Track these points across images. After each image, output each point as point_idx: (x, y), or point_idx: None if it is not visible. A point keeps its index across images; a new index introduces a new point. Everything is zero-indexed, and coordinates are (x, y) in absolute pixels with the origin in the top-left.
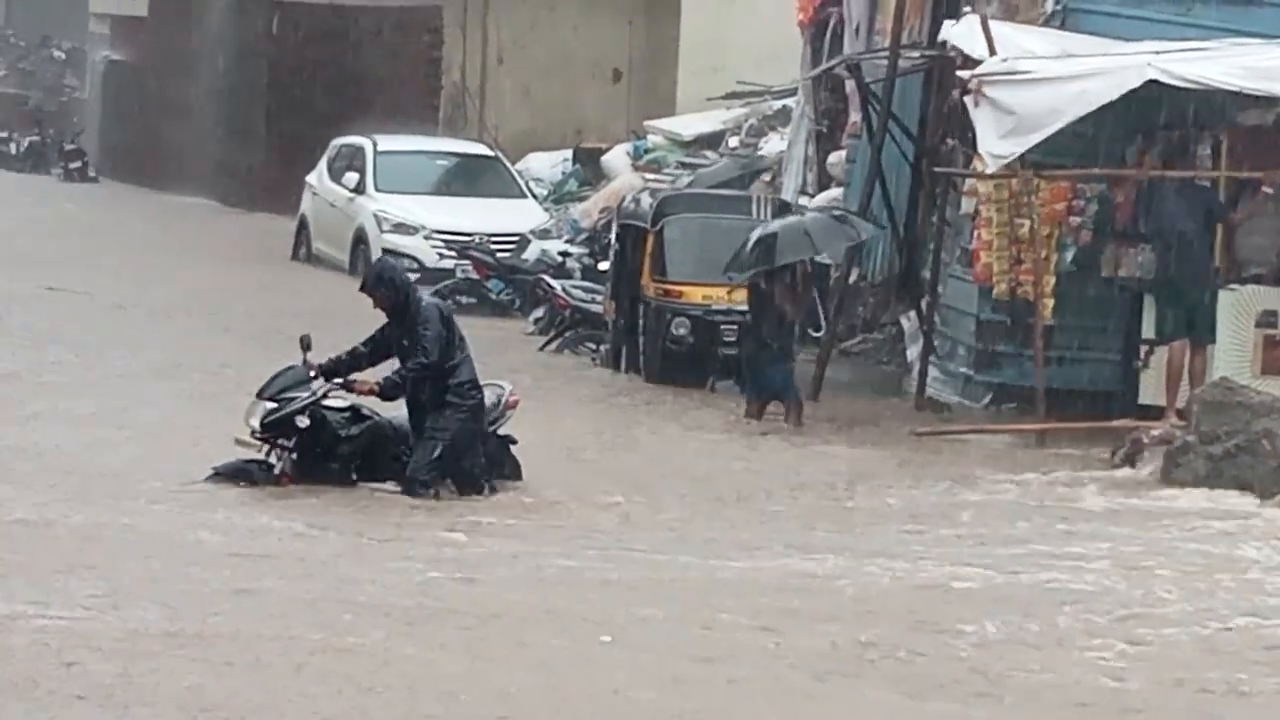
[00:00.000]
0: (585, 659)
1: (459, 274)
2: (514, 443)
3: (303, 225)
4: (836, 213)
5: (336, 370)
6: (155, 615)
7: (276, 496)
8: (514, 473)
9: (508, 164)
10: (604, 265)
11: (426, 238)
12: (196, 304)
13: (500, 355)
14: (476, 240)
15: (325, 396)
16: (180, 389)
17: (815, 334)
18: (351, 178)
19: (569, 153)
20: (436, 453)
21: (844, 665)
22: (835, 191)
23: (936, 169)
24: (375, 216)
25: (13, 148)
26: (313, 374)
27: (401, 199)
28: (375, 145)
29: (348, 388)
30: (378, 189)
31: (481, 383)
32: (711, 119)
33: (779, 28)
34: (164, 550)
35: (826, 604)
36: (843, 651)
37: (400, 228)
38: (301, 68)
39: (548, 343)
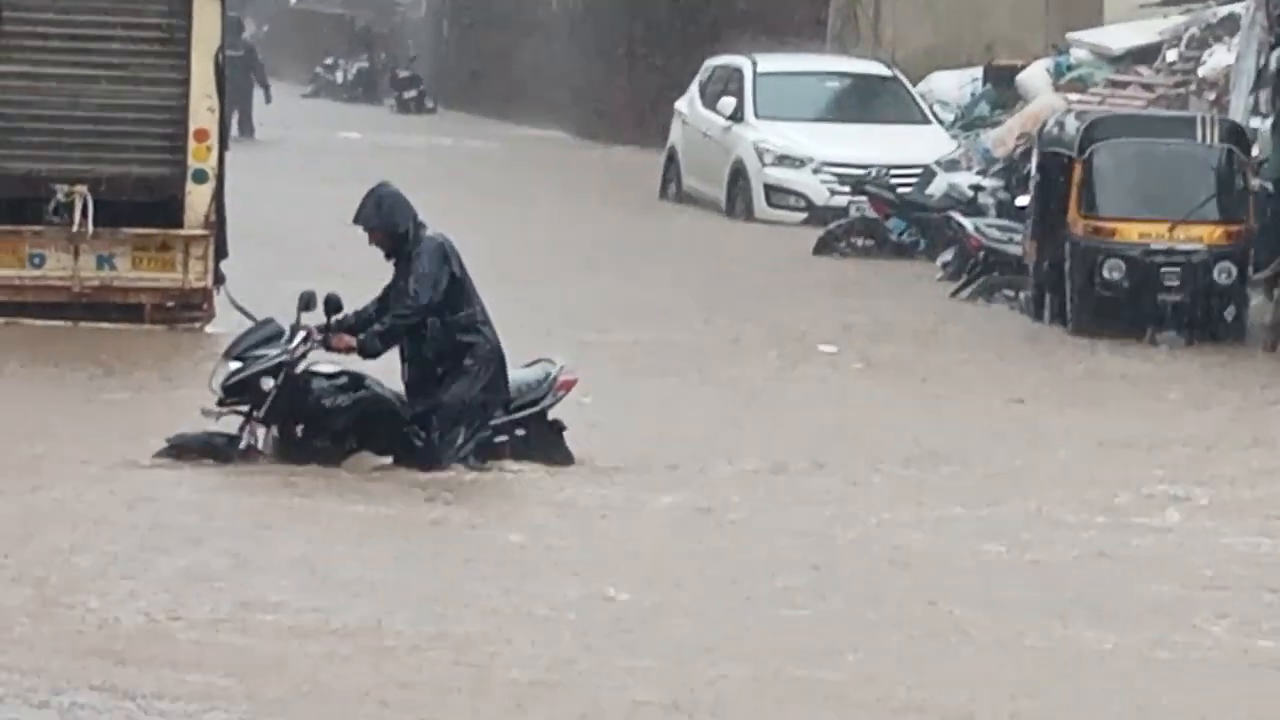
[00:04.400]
0: None
1: (854, 212)
2: (563, 429)
3: (671, 159)
4: None
5: (328, 327)
6: None
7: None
8: (564, 460)
9: (908, 85)
10: (1022, 200)
11: (815, 171)
12: (561, 251)
13: (904, 304)
14: (873, 173)
15: (303, 356)
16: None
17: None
18: (728, 103)
19: (978, 71)
20: (460, 439)
21: None
22: None
23: None
24: (755, 148)
25: (339, 75)
26: (303, 334)
27: (786, 127)
28: (755, 66)
29: (326, 345)
30: (758, 116)
31: (536, 359)
32: (1145, 29)
33: None
34: None
35: None
36: None
37: (784, 160)
38: None
39: (959, 289)
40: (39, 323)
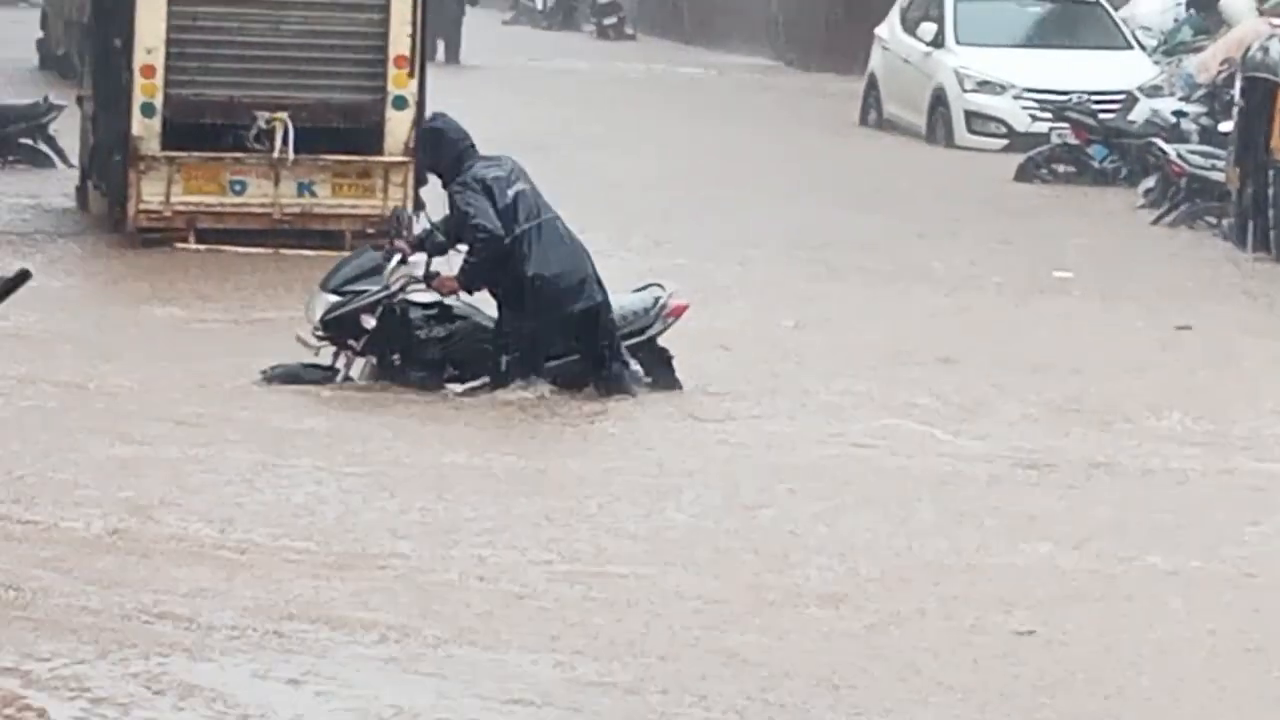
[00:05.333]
0: None
1: (1055, 139)
2: (671, 357)
3: (872, 85)
4: None
5: (423, 248)
6: None
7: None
8: (671, 388)
9: (1110, 10)
10: (1226, 126)
11: (1016, 97)
12: (763, 176)
13: (1105, 230)
14: (1075, 99)
15: (401, 290)
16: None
17: None
18: (928, 29)
19: None
20: (504, 366)
21: None
22: None
23: None
24: (956, 73)
25: (539, 2)
26: (399, 258)
27: (987, 52)
28: None
29: (428, 283)
30: (959, 41)
31: (645, 285)
32: None
33: None
34: None
35: None
36: None
37: (985, 86)
38: None
39: (1160, 216)
40: (241, 249)
